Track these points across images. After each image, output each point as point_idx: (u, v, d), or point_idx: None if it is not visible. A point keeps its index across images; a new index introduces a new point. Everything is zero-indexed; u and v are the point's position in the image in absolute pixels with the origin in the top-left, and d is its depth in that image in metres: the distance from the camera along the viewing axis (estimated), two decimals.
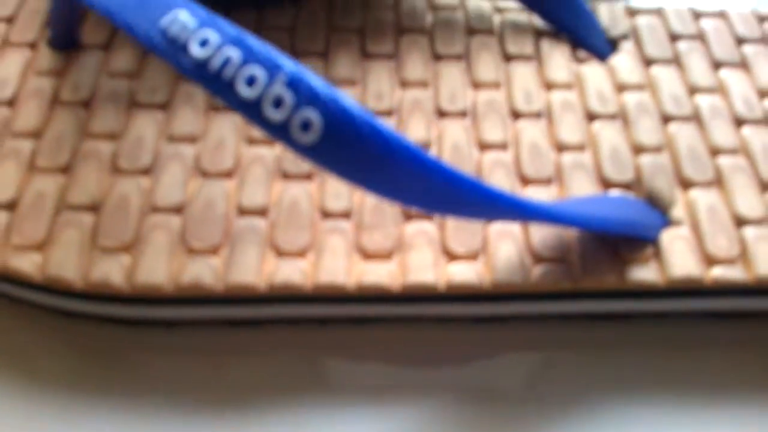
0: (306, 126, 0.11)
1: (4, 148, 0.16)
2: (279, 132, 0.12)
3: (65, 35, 0.18)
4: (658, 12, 0.20)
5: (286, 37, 0.18)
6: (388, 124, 0.17)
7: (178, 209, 0.15)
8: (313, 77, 0.12)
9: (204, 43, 0.12)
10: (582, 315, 0.15)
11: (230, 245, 0.15)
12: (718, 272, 0.14)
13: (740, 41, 0.19)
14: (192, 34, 0.12)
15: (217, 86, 0.12)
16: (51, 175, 0.15)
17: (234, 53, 0.12)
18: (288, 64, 0.12)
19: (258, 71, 0.11)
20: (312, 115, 0.11)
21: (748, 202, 0.16)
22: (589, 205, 0.15)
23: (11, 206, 0.15)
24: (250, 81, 0.11)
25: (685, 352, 0.15)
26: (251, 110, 0.12)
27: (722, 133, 0.17)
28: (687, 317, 0.16)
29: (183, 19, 0.12)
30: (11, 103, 0.17)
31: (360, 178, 0.12)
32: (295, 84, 0.11)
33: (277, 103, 0.11)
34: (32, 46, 0.18)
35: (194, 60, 0.12)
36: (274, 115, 0.11)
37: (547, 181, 0.16)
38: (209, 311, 0.15)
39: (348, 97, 0.12)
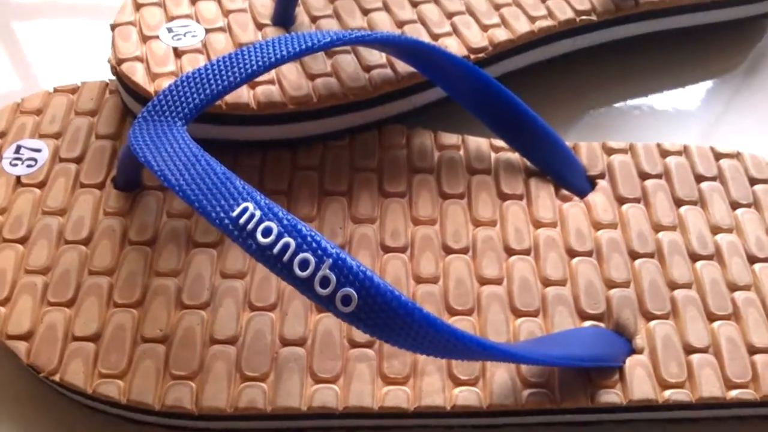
0: (347, 300, 0.15)
1: (86, 285, 0.19)
2: (326, 303, 0.15)
3: (130, 180, 0.21)
4: (631, 149, 0.24)
5: (316, 176, 0.22)
6: (403, 260, 0.20)
7: (232, 340, 0.19)
8: (351, 261, 0.15)
9: (267, 232, 0.15)
10: (561, 423, 0.19)
11: (276, 371, 0.18)
12: (668, 394, 0.18)
13: (699, 178, 0.23)
14: (257, 225, 0.16)
15: (278, 267, 0.15)
16: (127, 310, 0.19)
17: (290, 241, 0.15)
18: (332, 250, 0.15)
19: (309, 256, 0.15)
20: (351, 291, 0.15)
21: (696, 333, 0.19)
22: (568, 342, 0.18)
23: (96, 338, 0.19)
24: (303, 265, 0.15)
25: None
26: (305, 287, 0.15)
27: (679, 268, 0.21)
28: (644, 422, 0.20)
29: (250, 210, 0.16)
30: (87, 241, 0.20)
31: (388, 337, 0.16)
32: (338, 267, 0.15)
33: (324, 283, 0.15)
34: (100, 186, 0.22)
35: (259, 245, 0.16)
36: (322, 291, 0.15)
37: (535, 314, 0.20)
38: (260, 423, 0.19)
39: (377, 277, 0.16)
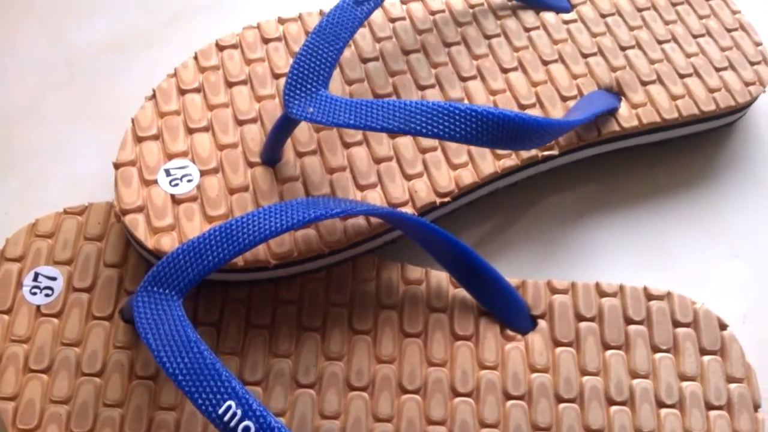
0: None
1: (102, 417, 0.24)
2: None
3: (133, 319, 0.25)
4: (572, 288, 0.27)
5: (295, 311, 0.26)
6: (365, 399, 0.25)
7: None
8: None
9: (246, 430, 0.20)
10: None
11: None
12: None
13: (628, 321, 0.27)
14: (238, 423, 0.20)
15: None
16: None
17: None
18: None
19: None
20: None
21: None
22: None
23: None
24: None
25: None
26: None
27: (594, 414, 0.25)
28: None
29: (233, 408, 0.20)
30: (100, 374, 0.25)
31: None
32: None
33: None
34: (109, 318, 0.26)
35: None
36: None
37: None
38: None
39: None
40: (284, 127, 0.26)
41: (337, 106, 0.25)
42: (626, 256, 0.31)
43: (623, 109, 0.30)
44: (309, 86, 0.25)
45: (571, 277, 0.30)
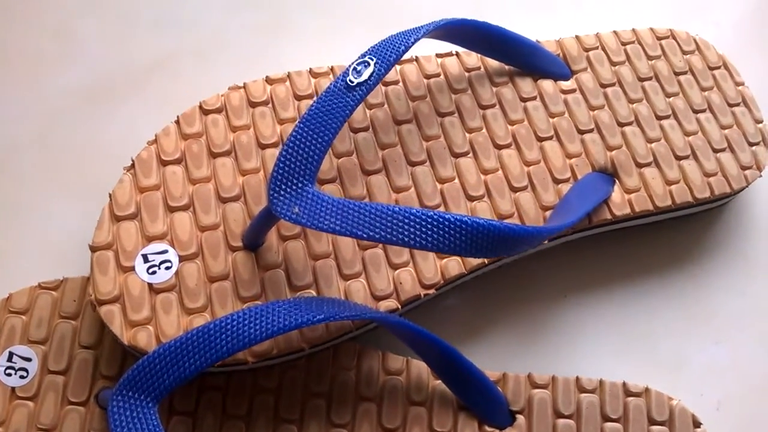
0: None
1: None
2: None
3: None
4: (552, 382, 0.28)
5: (272, 402, 0.26)
6: None
7: None
8: None
9: None
10: None
11: None
12: None
13: (605, 418, 0.27)
14: None
15: None
16: None
17: None
18: None
19: None
20: None
21: None
22: None
23: None
24: None
25: None
26: None
27: None
28: None
29: None
30: None
31: None
32: None
33: None
34: (85, 404, 0.26)
35: None
36: None
37: None
38: None
39: None
40: (267, 220, 0.26)
41: (323, 207, 0.24)
42: (609, 338, 0.31)
43: (616, 195, 0.30)
44: (295, 182, 0.25)
45: (553, 361, 0.30)
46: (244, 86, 0.30)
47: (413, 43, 0.27)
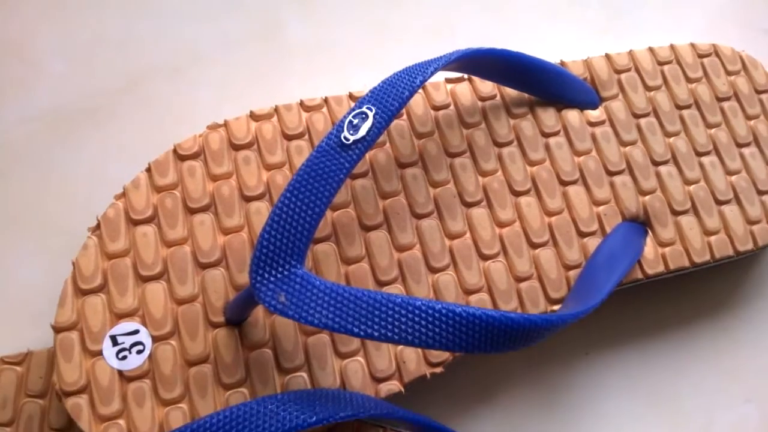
0: None
1: None
2: None
3: None
4: None
5: None
6: None
7: None
8: None
9: None
10: None
11: None
12: None
13: None
14: None
15: None
16: None
17: None
18: None
19: None
20: None
21: None
22: None
23: None
24: None
25: None
26: None
27: None
28: None
29: None
30: None
31: None
32: None
33: None
34: None
35: None
36: None
37: None
38: None
39: None
40: (249, 302, 0.22)
41: (314, 295, 0.21)
42: (633, 398, 0.28)
43: (648, 249, 0.26)
44: (282, 262, 0.21)
45: (575, 425, 0.28)
46: (225, 125, 0.26)
47: (420, 85, 0.24)
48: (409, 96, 0.23)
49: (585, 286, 0.24)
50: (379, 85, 0.23)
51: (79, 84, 0.30)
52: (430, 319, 0.20)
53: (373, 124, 0.22)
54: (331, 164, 0.22)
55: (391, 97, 0.23)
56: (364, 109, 0.23)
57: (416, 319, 0.20)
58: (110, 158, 0.29)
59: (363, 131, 0.22)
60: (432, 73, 0.24)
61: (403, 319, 0.20)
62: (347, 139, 0.22)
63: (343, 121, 0.22)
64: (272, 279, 0.21)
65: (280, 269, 0.21)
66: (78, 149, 0.29)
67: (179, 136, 0.27)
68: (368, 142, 0.22)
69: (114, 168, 0.29)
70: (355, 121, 0.22)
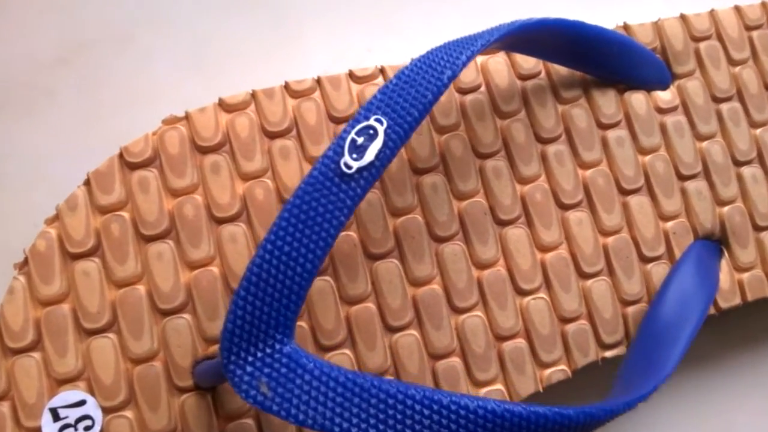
0: None
1: None
2: None
3: None
4: None
5: None
6: None
7: None
8: None
9: None
10: None
11: None
12: None
13: None
14: None
15: None
16: None
17: None
18: None
19: None
20: None
21: None
22: None
23: None
24: None
25: None
26: None
27: None
28: None
29: None
30: None
31: None
32: None
33: None
34: None
35: None
36: None
37: None
38: None
39: None
40: (221, 377, 0.17)
41: (305, 383, 0.16)
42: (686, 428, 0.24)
43: (724, 277, 0.21)
44: (263, 337, 0.16)
45: None
46: (187, 118, 0.20)
47: (449, 83, 0.17)
48: (433, 99, 0.17)
49: (646, 348, 0.19)
50: (391, 82, 0.17)
51: (5, 58, 0.24)
52: (454, 418, 0.15)
53: (384, 143, 0.16)
54: (326, 202, 0.16)
55: (409, 102, 0.17)
56: (371, 121, 0.17)
57: (435, 417, 0.15)
58: (45, 147, 0.23)
59: (370, 155, 0.16)
60: (465, 64, 0.18)
61: (419, 417, 0.16)
62: (349, 167, 0.16)
63: (342, 140, 0.16)
64: (249, 359, 0.16)
65: (260, 345, 0.16)
66: (7, 139, 0.24)
67: (133, 122, 0.21)
68: (378, 168, 0.16)
69: (50, 165, 0.23)
70: (360, 140, 0.17)
